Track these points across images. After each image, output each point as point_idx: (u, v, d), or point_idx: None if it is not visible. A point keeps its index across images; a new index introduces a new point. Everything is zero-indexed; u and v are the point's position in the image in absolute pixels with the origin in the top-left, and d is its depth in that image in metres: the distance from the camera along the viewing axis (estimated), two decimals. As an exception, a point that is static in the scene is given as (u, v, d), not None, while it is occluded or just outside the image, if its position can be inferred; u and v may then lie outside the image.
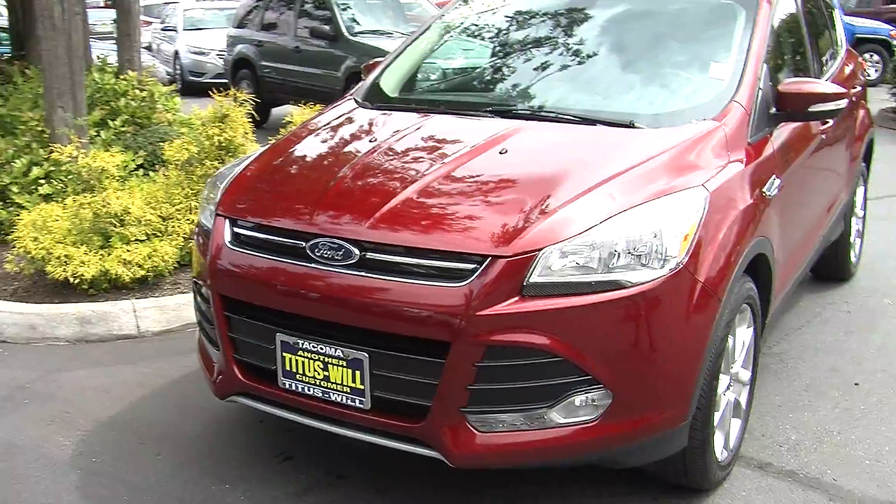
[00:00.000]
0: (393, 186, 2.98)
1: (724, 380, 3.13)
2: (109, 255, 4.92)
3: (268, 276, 2.96)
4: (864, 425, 3.71)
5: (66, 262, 4.81)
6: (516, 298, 2.61)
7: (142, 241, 5.05)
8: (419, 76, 4.22)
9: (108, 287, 4.95)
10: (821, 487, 3.25)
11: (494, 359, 2.62)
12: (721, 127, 3.25)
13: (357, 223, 2.84)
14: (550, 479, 3.26)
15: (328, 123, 3.73)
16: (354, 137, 3.55)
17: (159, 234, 5.16)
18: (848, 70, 5.10)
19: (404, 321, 2.69)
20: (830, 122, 4.23)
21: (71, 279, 4.79)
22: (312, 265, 2.86)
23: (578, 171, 2.98)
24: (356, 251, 2.79)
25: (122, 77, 6.97)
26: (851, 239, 5.31)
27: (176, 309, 4.84)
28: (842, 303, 5.12)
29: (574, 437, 2.70)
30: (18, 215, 5.22)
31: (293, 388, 2.93)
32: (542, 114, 3.46)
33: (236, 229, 3.12)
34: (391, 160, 3.21)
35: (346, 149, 3.42)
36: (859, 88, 5.08)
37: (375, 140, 3.37)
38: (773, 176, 3.42)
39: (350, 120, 3.74)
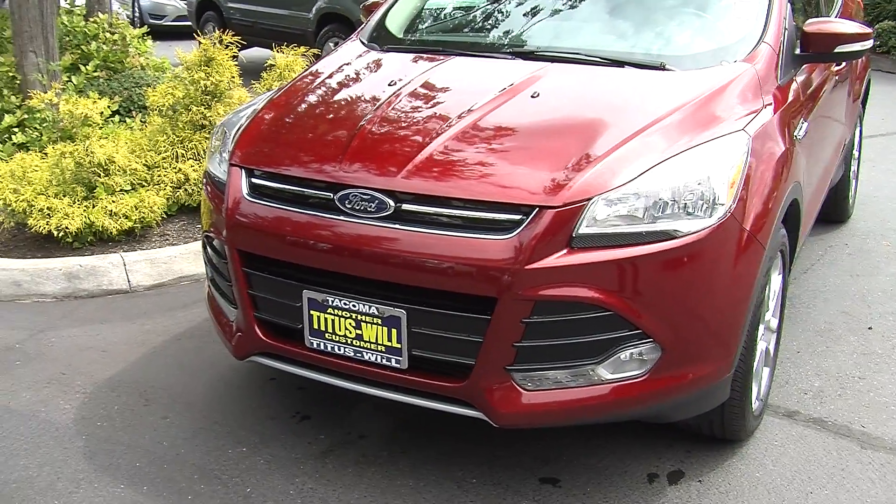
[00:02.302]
0: (424, 134, 2.82)
1: (761, 328, 3.07)
2: (94, 206, 4.70)
3: (292, 229, 2.79)
4: (885, 370, 3.69)
5: (48, 214, 4.58)
6: (565, 251, 2.50)
7: (127, 191, 4.83)
8: (427, 15, 4.02)
9: (93, 240, 4.74)
10: (850, 435, 3.23)
11: (542, 314, 2.51)
12: (753, 68, 3.14)
13: (390, 173, 2.69)
14: (577, 435, 3.19)
15: (339, 68, 3.53)
16: (371, 82, 3.37)
17: (145, 184, 4.94)
18: (852, 7, 5.01)
19: (447, 276, 2.55)
20: (842, 63, 4.15)
21: (55, 232, 4.56)
22: (343, 218, 2.71)
23: (617, 116, 2.85)
24: (391, 202, 2.64)
25: (91, 20, 6.62)
26: (851, 180, 5.28)
27: (167, 262, 4.65)
28: (842, 245, 5.10)
29: (621, 392, 2.62)
30: (-7, 166, 4.95)
31: (322, 347, 2.80)
32: (568, 55, 3.30)
33: (254, 180, 2.94)
34: (416, 106, 3.04)
35: (365, 94, 3.23)
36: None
37: (395, 84, 3.19)
38: (802, 119, 3.33)
39: (362, 64, 3.54)
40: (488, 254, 2.51)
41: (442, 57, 3.42)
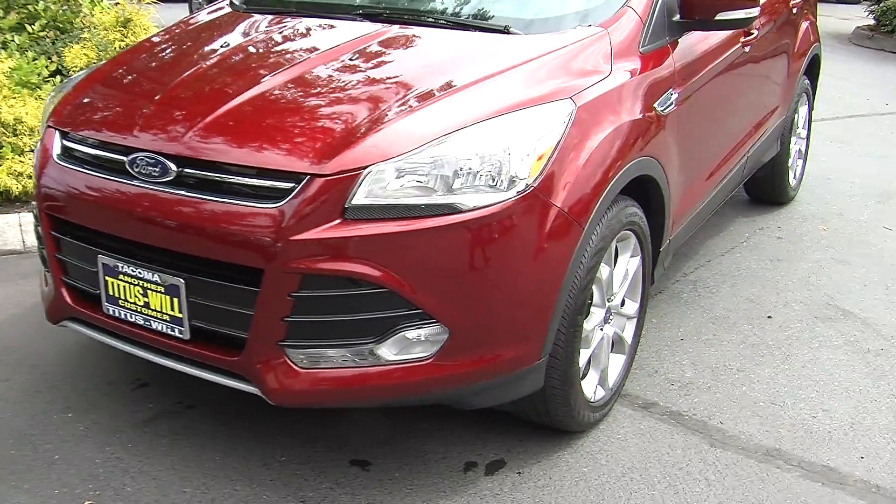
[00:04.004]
0: (223, 95, 2.66)
1: (597, 313, 2.87)
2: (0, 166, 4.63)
3: (90, 193, 2.67)
4: (768, 363, 3.46)
5: (-50, 172, 4.53)
6: (336, 222, 2.32)
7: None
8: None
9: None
10: (704, 431, 3.01)
11: (311, 289, 2.34)
12: (605, 34, 2.91)
13: (177, 136, 2.54)
14: (409, 417, 3.03)
15: (187, 27, 3.37)
16: (205, 42, 3.20)
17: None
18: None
19: (217, 244, 2.40)
20: (755, 32, 3.87)
21: (-43, 191, 4.51)
22: (130, 182, 2.57)
23: (430, 79, 2.65)
24: (173, 167, 2.50)
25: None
26: (790, 161, 4.98)
27: (65, 225, 4.56)
28: (774, 228, 4.83)
29: (407, 375, 2.44)
30: None
31: (117, 314, 2.68)
32: (414, 17, 3.11)
33: (66, 142, 2.82)
34: (233, 67, 2.88)
35: (191, 55, 3.08)
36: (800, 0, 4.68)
37: (226, 45, 3.03)
38: (670, 90, 3.09)
39: (211, 23, 3.38)
40: (255, 223, 2.35)
41: (290, 18, 3.25)
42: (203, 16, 3.50)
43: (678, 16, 3.19)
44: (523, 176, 2.42)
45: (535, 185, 2.43)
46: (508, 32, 2.92)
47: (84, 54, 4.92)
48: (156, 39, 3.32)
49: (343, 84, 2.70)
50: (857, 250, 4.58)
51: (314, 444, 2.90)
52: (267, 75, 2.73)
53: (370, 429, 2.98)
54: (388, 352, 2.42)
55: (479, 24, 2.99)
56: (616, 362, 3.10)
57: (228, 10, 3.51)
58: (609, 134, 2.69)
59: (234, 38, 3.11)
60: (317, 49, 2.90)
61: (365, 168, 2.33)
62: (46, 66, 5.59)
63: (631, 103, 2.85)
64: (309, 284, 2.34)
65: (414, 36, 2.97)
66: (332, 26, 3.13)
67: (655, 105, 2.98)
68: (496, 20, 3.00)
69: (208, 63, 2.91)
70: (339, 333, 2.40)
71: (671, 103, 3.08)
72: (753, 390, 3.27)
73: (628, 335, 3.12)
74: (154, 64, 3.12)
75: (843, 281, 4.20)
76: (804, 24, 4.77)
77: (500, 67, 2.69)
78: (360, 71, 2.76)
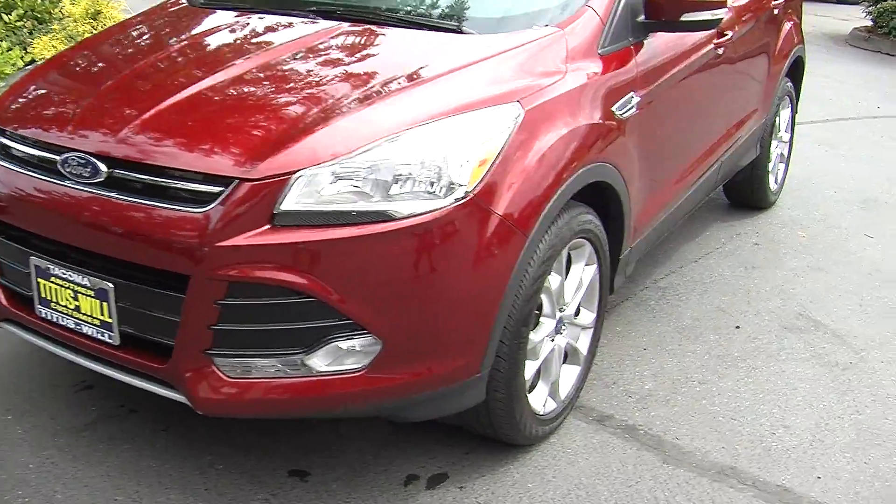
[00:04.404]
0: (159, 94, 2.57)
1: (547, 323, 2.78)
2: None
3: (22, 193, 2.58)
4: (731, 375, 3.36)
5: None
6: (265, 228, 2.23)
7: None
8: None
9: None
10: (659, 447, 2.92)
11: (238, 296, 2.25)
12: (562, 34, 2.81)
13: (108, 136, 2.45)
14: (357, 427, 2.94)
15: (138, 22, 3.28)
16: (151, 39, 3.11)
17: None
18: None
19: (144, 249, 2.32)
20: (730, 34, 3.76)
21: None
22: (62, 182, 2.49)
23: (373, 80, 2.56)
24: (104, 168, 2.41)
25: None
26: (770, 165, 4.87)
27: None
28: (752, 234, 4.72)
29: (339, 386, 2.35)
30: None
31: (49, 317, 2.60)
32: (366, 16, 3.01)
33: (3, 140, 2.73)
34: (173, 64, 2.79)
35: (135, 52, 2.99)
36: (781, 0, 4.55)
37: (171, 42, 2.95)
38: (631, 93, 2.99)
39: (163, 18, 3.29)
40: (181, 227, 2.26)
41: (243, 14, 3.16)
42: (157, 10, 3.41)
43: (643, 17, 3.09)
44: (462, 182, 2.32)
45: (474, 193, 2.33)
46: (461, 32, 2.83)
47: (53, 46, 4.84)
48: (104, 35, 3.24)
49: (283, 84, 2.61)
50: (835, 258, 4.47)
51: (254, 453, 2.81)
52: (206, 74, 2.64)
53: (312, 438, 2.89)
54: (319, 362, 2.33)
55: (432, 23, 2.89)
56: (570, 374, 3.01)
57: (185, 4, 3.41)
58: (559, 139, 2.59)
59: (181, 35, 3.03)
60: (262, 47, 2.81)
61: (295, 173, 2.24)
62: (21, 57, 5.53)
63: (586, 107, 2.75)
64: (236, 292, 2.25)
65: (364, 35, 2.88)
66: (282, 24, 3.02)
67: (614, 109, 2.89)
68: (449, 19, 2.90)
69: (149, 60, 2.83)
70: (268, 343, 2.31)
71: (632, 107, 2.98)
72: (714, 404, 3.17)
73: (583, 346, 3.03)
74: (97, 60, 3.02)
75: (817, 290, 4.10)
76: (786, 26, 4.66)
77: (447, 68, 2.59)
78: (303, 71, 2.67)
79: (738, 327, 3.71)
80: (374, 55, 2.77)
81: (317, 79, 2.62)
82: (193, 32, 3.03)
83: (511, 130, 2.45)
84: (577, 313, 2.99)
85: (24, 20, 6.18)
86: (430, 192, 2.31)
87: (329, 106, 2.43)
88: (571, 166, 2.63)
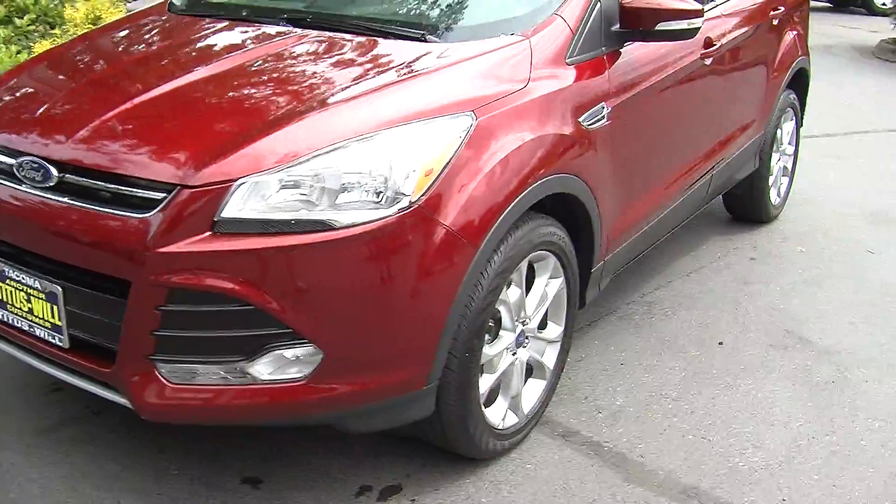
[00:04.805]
0: (114, 100, 2.58)
1: (507, 336, 2.74)
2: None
3: None
4: (707, 392, 3.29)
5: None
6: (205, 235, 2.23)
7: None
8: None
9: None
10: (622, 465, 2.86)
11: (178, 303, 2.25)
12: (526, 43, 2.78)
13: (60, 141, 2.47)
14: (319, 436, 2.92)
15: (113, 28, 3.32)
16: (121, 45, 3.14)
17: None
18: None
19: (89, 254, 2.34)
20: (718, 44, 3.69)
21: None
22: (18, 186, 2.51)
23: (328, 87, 2.55)
24: (55, 172, 2.42)
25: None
26: (772, 178, 4.77)
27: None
28: (750, 248, 4.62)
29: (282, 395, 2.33)
30: None
31: (5, 318, 2.62)
32: (334, 23, 3.00)
33: None
34: (132, 71, 2.81)
35: (101, 58, 3.02)
36: (782, 10, 4.46)
37: (137, 48, 2.98)
38: (602, 104, 2.94)
39: (137, 25, 3.31)
40: (124, 233, 2.27)
41: (215, 22, 3.17)
42: (134, 17, 3.44)
43: (618, 26, 3.04)
44: (407, 192, 2.30)
45: (419, 203, 2.31)
46: (425, 40, 2.80)
47: (56, 49, 4.89)
48: (76, 41, 3.28)
49: (237, 92, 2.61)
50: (832, 274, 4.36)
51: (212, 459, 2.81)
52: (162, 81, 2.65)
53: (272, 446, 2.88)
54: (261, 371, 2.32)
55: (396, 31, 2.87)
56: (535, 388, 2.96)
57: (163, 10, 3.43)
58: (516, 149, 2.56)
59: (147, 42, 3.06)
60: (223, 55, 2.81)
61: (236, 180, 2.24)
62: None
63: (548, 117, 2.71)
64: (176, 298, 2.25)
65: (327, 43, 2.86)
66: (250, 32, 3.03)
67: (581, 119, 2.84)
68: (414, 28, 2.87)
69: (111, 66, 2.87)
70: (209, 350, 2.31)
71: (602, 117, 2.94)
72: (685, 422, 3.10)
73: (549, 360, 2.98)
74: (62, 66, 3.05)
75: (809, 306, 4.00)
76: (788, 37, 4.56)
77: (403, 77, 2.58)
78: (259, 78, 2.67)
79: (721, 343, 3.64)
80: (332, 63, 2.75)
81: (271, 87, 2.62)
82: (160, 40, 3.05)
83: (461, 141, 2.42)
84: (542, 327, 2.95)
85: (36, 24, 6.28)
86: (376, 202, 2.29)
87: (278, 114, 2.42)
88: (529, 177, 2.59)
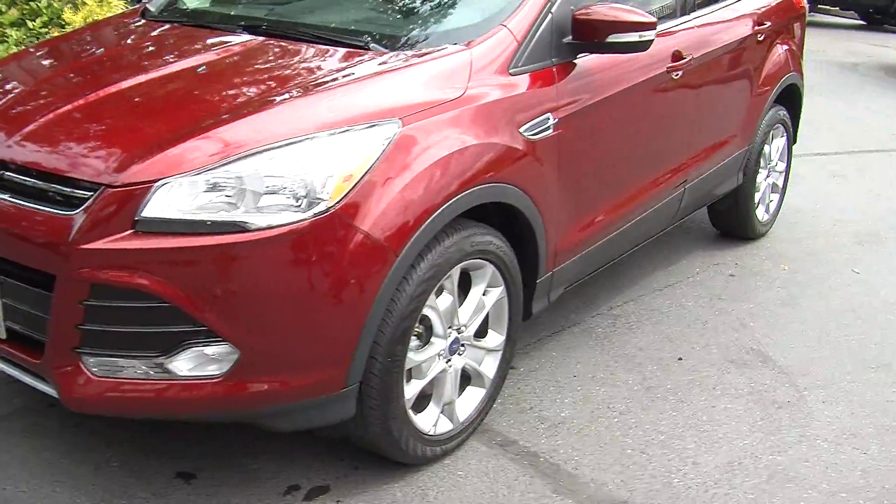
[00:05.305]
0: (57, 102, 2.67)
1: (438, 343, 2.76)
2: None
3: None
4: (656, 407, 3.27)
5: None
6: (127, 233, 2.30)
7: None
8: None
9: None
10: (554, 476, 2.85)
11: (101, 298, 2.31)
12: (467, 53, 2.80)
13: (2, 140, 2.57)
14: (260, 433, 2.96)
15: (82, 33, 3.45)
16: (82, 49, 3.24)
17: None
18: (761, 1, 4.45)
19: (21, 248, 2.42)
20: (689, 57, 3.67)
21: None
22: None
23: (261, 93, 2.61)
24: None
25: (50, -23, 6.74)
26: (758, 195, 4.72)
27: None
28: (731, 264, 4.58)
29: (201, 391, 2.39)
30: None
31: None
32: (285, 30, 3.06)
33: None
34: (85, 73, 2.91)
35: (60, 60, 3.13)
36: (768, 25, 4.41)
37: (95, 53, 3.08)
38: (548, 114, 2.95)
39: (105, 30, 3.43)
40: (51, 229, 2.36)
41: (176, 28, 3.26)
42: (103, 22, 3.56)
43: (570, 37, 3.05)
44: (324, 197, 2.34)
45: (336, 208, 2.35)
46: (367, 49, 2.85)
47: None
48: (42, 44, 3.41)
49: (176, 94, 2.68)
50: (811, 293, 4.30)
51: (154, 453, 2.87)
52: (109, 83, 2.74)
53: (213, 442, 2.93)
54: (181, 367, 2.38)
55: (342, 39, 2.92)
56: (472, 396, 2.98)
57: (136, 16, 3.53)
58: (444, 157, 2.58)
59: (108, 45, 3.16)
60: (173, 59, 2.90)
61: (157, 181, 2.30)
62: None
63: (484, 126, 2.73)
64: (98, 294, 2.32)
65: (275, 49, 2.92)
66: (204, 38, 3.11)
67: (523, 129, 2.86)
68: (359, 36, 2.92)
69: (65, 69, 2.98)
70: (130, 344, 2.37)
71: (548, 128, 2.95)
72: (627, 436, 3.09)
73: (488, 368, 3.00)
74: (22, 68, 3.15)
75: (779, 325, 3.95)
76: (777, 52, 4.51)
77: (337, 84, 2.62)
78: (200, 81, 2.74)
79: (680, 359, 3.61)
80: (273, 69, 2.81)
81: (209, 90, 2.69)
82: (119, 44, 3.15)
83: (384, 148, 2.45)
84: (482, 335, 2.96)
85: (49, 27, 6.45)
86: (295, 206, 2.33)
87: (210, 117, 2.48)
88: (457, 185, 2.61)
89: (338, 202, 2.35)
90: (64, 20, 6.21)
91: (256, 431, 2.94)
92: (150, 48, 3.11)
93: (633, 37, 3.02)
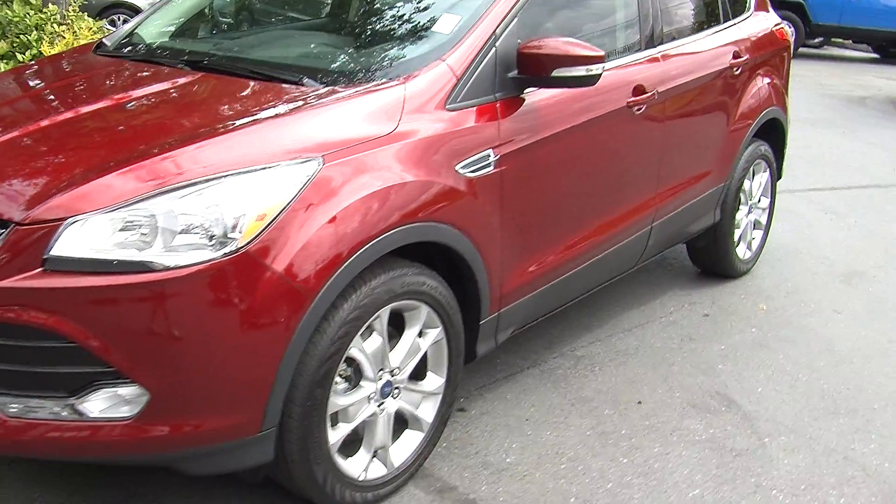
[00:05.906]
0: None
1: (368, 387, 2.68)
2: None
3: None
4: (607, 454, 3.15)
5: None
6: (35, 272, 2.24)
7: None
8: (191, 23, 3.80)
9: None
10: (491, 524, 2.76)
11: (7, 337, 2.26)
12: (401, 88, 2.75)
13: None
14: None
15: (29, 68, 3.44)
16: (25, 83, 3.22)
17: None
18: (739, 34, 4.37)
19: None
20: (651, 92, 3.58)
21: None
22: None
23: (187, 129, 2.56)
24: None
25: (42, 11, 6.82)
26: (738, 232, 4.60)
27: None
28: (707, 304, 4.45)
29: (112, 434, 2.31)
30: None
31: None
32: (225, 66, 3.03)
33: None
34: (18, 109, 2.89)
35: (2, 95, 3.11)
36: (745, 58, 4.31)
37: (36, 87, 3.07)
38: (488, 151, 2.88)
39: (54, 64, 3.42)
40: None
41: (116, 63, 3.24)
42: (57, 56, 3.56)
43: (516, 72, 2.98)
44: (235, 237, 2.28)
45: (248, 248, 2.28)
46: (300, 84, 2.80)
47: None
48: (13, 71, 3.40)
49: (103, 129, 2.65)
50: (786, 335, 4.16)
51: (80, 492, 2.80)
52: (39, 118, 2.72)
53: (143, 481, 2.86)
54: (91, 408, 2.31)
55: (276, 74, 2.87)
56: (410, 440, 2.89)
57: (87, 51, 3.53)
58: (369, 195, 2.51)
59: (50, 80, 3.15)
60: (108, 94, 2.88)
61: (66, 219, 2.25)
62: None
63: (416, 162, 2.66)
64: (4, 332, 2.26)
65: (210, 84, 2.89)
66: (145, 72, 3.08)
67: (460, 166, 2.79)
68: (293, 71, 2.88)
69: (6, 102, 2.94)
70: (39, 385, 2.31)
71: (488, 165, 2.87)
72: (572, 483, 2.97)
73: (426, 412, 2.90)
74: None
75: (750, 368, 3.82)
76: (756, 85, 4.41)
77: (262, 119, 2.56)
78: (128, 116, 2.71)
79: (639, 402, 3.49)
80: (202, 104, 2.77)
81: (135, 125, 2.66)
82: (60, 78, 3.13)
83: (303, 186, 2.39)
84: (421, 377, 2.88)
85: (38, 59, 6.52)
86: (209, 245, 2.28)
87: (126, 153, 2.43)
88: (382, 224, 2.53)
89: (249, 242, 2.29)
90: (43, 53, 6.27)
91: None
92: (89, 83, 3.08)
93: (579, 71, 2.95)
